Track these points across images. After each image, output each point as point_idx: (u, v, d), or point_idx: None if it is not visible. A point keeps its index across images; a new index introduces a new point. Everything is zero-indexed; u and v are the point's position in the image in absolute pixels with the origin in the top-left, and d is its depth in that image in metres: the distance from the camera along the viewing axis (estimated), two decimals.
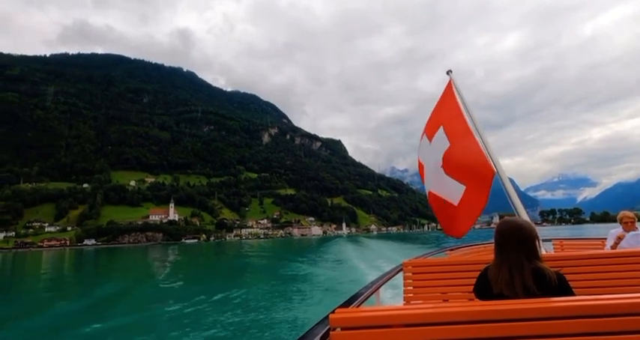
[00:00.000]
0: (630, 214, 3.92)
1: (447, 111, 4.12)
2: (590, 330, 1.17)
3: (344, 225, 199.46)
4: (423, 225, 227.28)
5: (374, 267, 18.69)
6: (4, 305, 15.10)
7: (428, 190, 4.00)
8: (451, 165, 3.65)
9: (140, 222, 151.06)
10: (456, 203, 3.49)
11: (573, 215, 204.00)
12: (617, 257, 2.75)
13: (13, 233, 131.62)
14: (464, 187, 3.44)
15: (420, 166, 4.43)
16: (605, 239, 4.71)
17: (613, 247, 3.89)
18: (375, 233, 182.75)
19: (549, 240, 5.41)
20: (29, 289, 21.26)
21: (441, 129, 3.96)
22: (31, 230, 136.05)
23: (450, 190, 3.61)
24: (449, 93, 4.31)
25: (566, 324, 1.18)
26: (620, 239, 3.84)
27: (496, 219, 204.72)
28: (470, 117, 3.82)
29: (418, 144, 4.59)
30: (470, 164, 3.41)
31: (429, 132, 4.25)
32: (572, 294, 1.44)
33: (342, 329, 1.30)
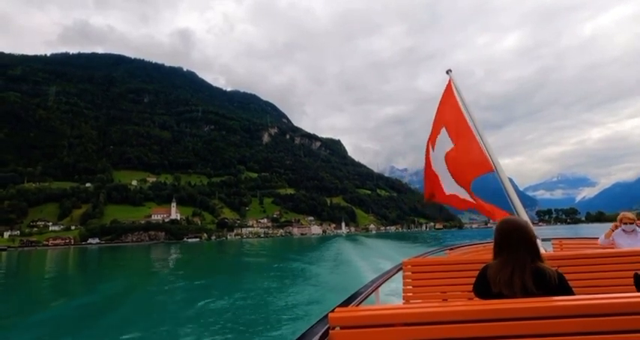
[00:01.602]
0: (630, 215, 3.97)
1: (449, 112, 4.16)
2: (588, 329, 1.18)
3: (343, 224, 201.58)
4: (422, 224, 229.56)
5: (372, 265, 19.21)
6: (15, 301, 15.40)
7: (450, 193, 3.95)
8: (453, 166, 3.74)
9: (143, 222, 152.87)
10: (473, 201, 3.62)
11: (569, 215, 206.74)
12: (616, 256, 2.76)
13: (18, 231, 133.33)
14: (465, 191, 3.59)
15: (434, 177, 4.30)
16: None
17: (607, 235, 4.06)
18: (373, 232, 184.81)
19: (549, 240, 5.51)
20: (40, 285, 22.07)
21: (443, 130, 4.02)
22: (36, 229, 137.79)
23: (459, 190, 3.70)
24: (449, 94, 4.33)
25: (564, 323, 1.19)
26: (616, 227, 3.98)
27: None
28: (470, 117, 3.89)
29: (425, 156, 4.53)
30: (469, 163, 3.47)
31: (433, 138, 4.26)
32: (572, 294, 1.45)
33: (341, 328, 1.31)
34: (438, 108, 4.38)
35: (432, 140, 4.23)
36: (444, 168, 3.90)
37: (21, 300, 15.71)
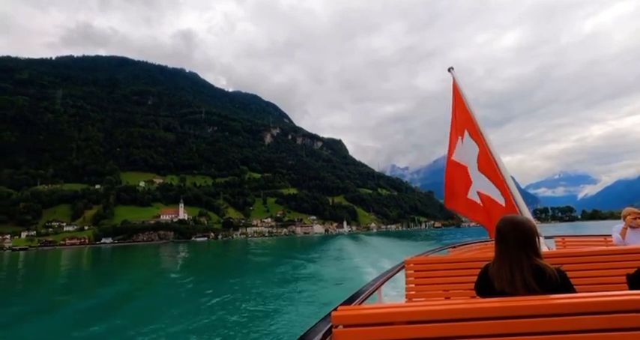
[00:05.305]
0: (636, 210, 3.91)
1: (463, 112, 4.09)
2: (591, 327, 1.17)
3: (345, 223, 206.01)
4: (421, 222, 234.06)
5: (372, 263, 19.81)
6: (49, 296, 16.32)
7: (476, 190, 3.83)
8: (485, 167, 3.65)
9: (152, 222, 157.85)
10: (503, 204, 3.46)
11: (565, 213, 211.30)
12: (618, 254, 2.73)
13: (34, 232, 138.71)
14: (499, 191, 3.47)
15: (457, 167, 4.14)
16: (607, 236, 4.89)
17: (622, 233, 3.87)
18: (374, 231, 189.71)
19: (551, 237, 5.47)
20: (69, 279, 24.46)
21: (466, 133, 3.96)
22: (51, 229, 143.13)
23: (492, 191, 3.58)
24: (457, 92, 4.23)
25: (567, 321, 1.19)
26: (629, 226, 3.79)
27: None
28: (473, 114, 3.89)
29: (449, 145, 4.37)
30: (492, 164, 3.40)
31: (458, 132, 4.15)
32: (574, 291, 1.45)
33: (344, 326, 1.32)
34: (454, 106, 4.32)
35: (453, 145, 4.24)
36: (476, 174, 3.84)
37: (51, 293, 17.51)
